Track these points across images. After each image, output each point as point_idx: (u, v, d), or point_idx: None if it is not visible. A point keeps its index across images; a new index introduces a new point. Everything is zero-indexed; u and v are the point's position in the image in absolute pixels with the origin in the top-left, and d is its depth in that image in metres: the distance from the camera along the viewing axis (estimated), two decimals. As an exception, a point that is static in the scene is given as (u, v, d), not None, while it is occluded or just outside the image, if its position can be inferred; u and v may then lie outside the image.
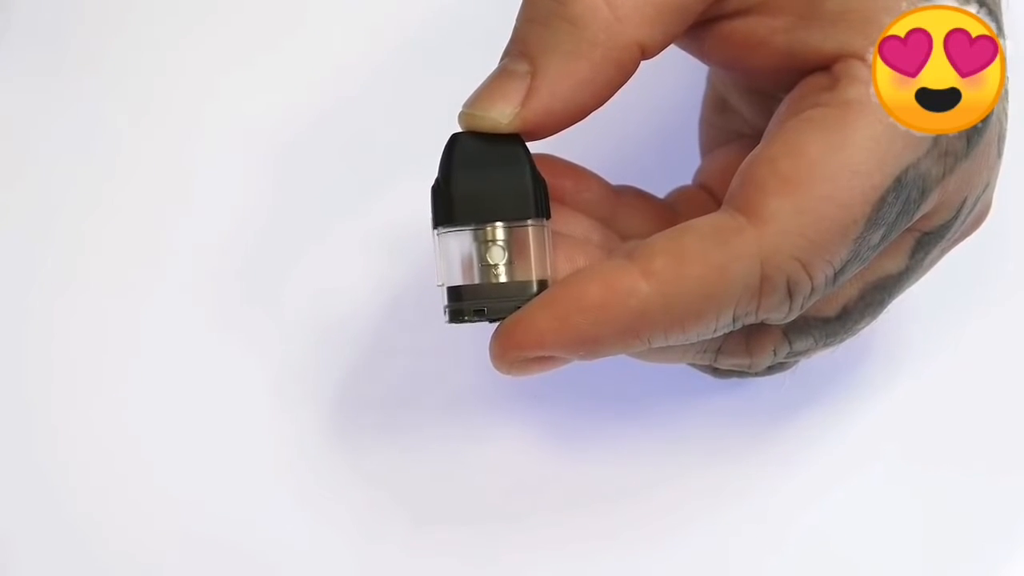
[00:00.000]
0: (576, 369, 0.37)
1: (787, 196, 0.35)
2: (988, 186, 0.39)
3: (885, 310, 0.40)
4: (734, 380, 0.43)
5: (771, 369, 0.42)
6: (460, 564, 0.46)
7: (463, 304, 0.37)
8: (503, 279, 0.37)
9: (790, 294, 0.35)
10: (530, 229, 0.37)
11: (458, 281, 0.37)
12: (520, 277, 0.37)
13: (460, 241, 0.37)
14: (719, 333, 0.36)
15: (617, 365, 0.40)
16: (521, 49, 0.37)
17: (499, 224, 0.37)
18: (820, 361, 0.43)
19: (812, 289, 0.36)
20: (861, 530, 0.47)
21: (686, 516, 0.47)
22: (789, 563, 0.46)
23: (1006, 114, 0.38)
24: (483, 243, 0.37)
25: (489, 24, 0.39)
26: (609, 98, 0.37)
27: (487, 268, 0.37)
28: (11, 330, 0.48)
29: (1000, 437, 0.48)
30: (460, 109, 0.37)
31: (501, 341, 0.36)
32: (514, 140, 0.37)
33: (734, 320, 0.36)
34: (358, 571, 0.46)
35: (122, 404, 0.48)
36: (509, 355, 0.36)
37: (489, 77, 0.37)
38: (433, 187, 0.37)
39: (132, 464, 0.47)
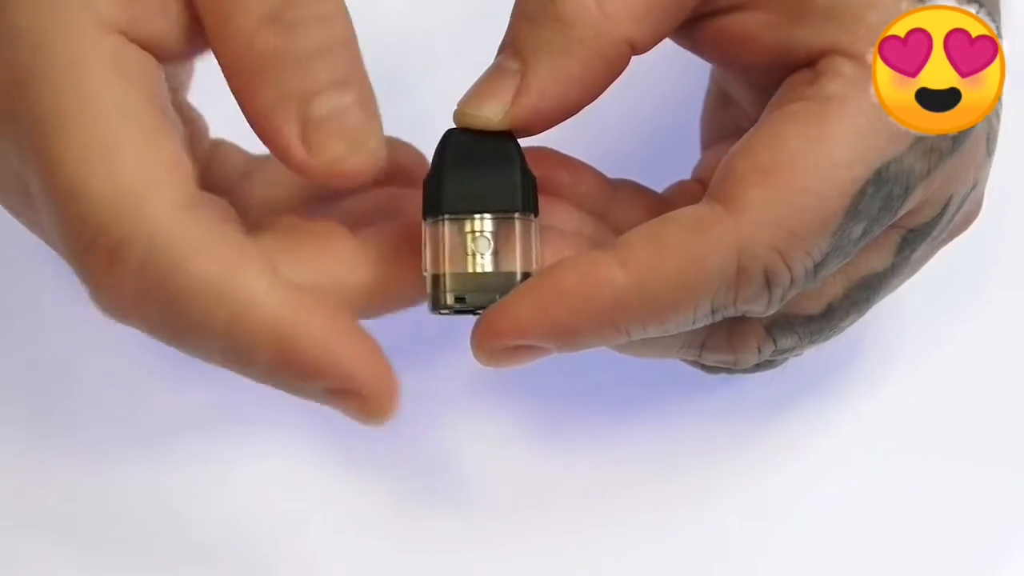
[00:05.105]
0: (565, 364, 0.37)
1: (765, 187, 0.35)
2: (977, 184, 0.39)
3: (872, 308, 0.40)
4: (722, 376, 0.43)
5: (759, 367, 0.42)
6: (449, 557, 0.46)
7: (445, 293, 0.37)
8: (487, 270, 0.37)
9: (768, 285, 0.36)
10: (516, 222, 0.37)
11: (442, 270, 0.37)
12: (504, 269, 0.37)
13: (447, 230, 0.37)
14: (698, 325, 0.36)
15: (605, 360, 0.40)
16: (513, 47, 0.37)
17: (486, 215, 0.37)
18: (812, 359, 0.43)
19: (791, 280, 0.36)
20: (853, 528, 0.47)
21: (673, 512, 0.47)
22: (782, 560, 0.46)
23: (997, 115, 0.39)
24: (469, 233, 0.37)
25: (492, 17, 0.39)
26: (599, 94, 0.37)
27: (472, 259, 0.37)
28: (7, 322, 0.48)
29: (994, 435, 0.47)
30: (455, 107, 0.37)
31: (481, 330, 0.36)
32: (506, 137, 0.37)
33: (712, 311, 0.36)
34: (352, 564, 0.46)
35: (114, 387, 0.48)
36: (488, 344, 0.36)
37: (483, 75, 0.37)
38: (425, 179, 0.37)
39: (123, 454, 0.47)
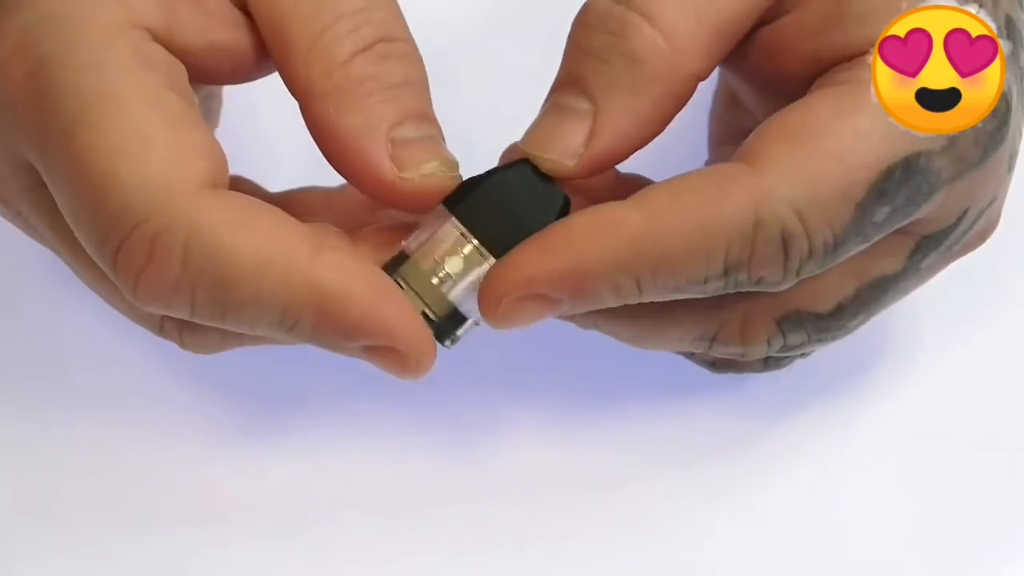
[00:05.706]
0: (573, 362, 0.37)
1: (790, 145, 0.35)
2: (995, 200, 0.39)
3: (880, 313, 0.40)
4: (729, 375, 0.43)
5: (766, 365, 0.42)
6: (440, 555, 0.46)
7: (394, 268, 0.37)
8: (440, 290, 0.37)
9: (785, 248, 0.35)
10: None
11: (411, 250, 0.37)
12: (448, 295, 0.37)
13: (445, 228, 0.37)
14: (710, 287, 0.36)
15: (609, 359, 0.40)
16: (579, 85, 0.36)
17: (476, 243, 0.37)
18: (830, 359, 0.43)
19: (810, 250, 0.35)
20: (865, 527, 0.46)
21: (684, 510, 0.46)
22: (794, 558, 0.46)
23: (1020, 131, 0.38)
24: (455, 247, 0.37)
25: (504, 22, 0.39)
26: (662, 131, 0.37)
27: (438, 270, 0.37)
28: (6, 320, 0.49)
29: (1009, 436, 0.47)
30: (520, 143, 0.37)
31: (488, 283, 0.36)
32: (558, 193, 0.37)
33: (726, 272, 0.35)
34: (350, 555, 0.46)
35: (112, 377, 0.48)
36: (496, 295, 0.36)
37: (549, 113, 0.37)
38: (473, 176, 0.37)
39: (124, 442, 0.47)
